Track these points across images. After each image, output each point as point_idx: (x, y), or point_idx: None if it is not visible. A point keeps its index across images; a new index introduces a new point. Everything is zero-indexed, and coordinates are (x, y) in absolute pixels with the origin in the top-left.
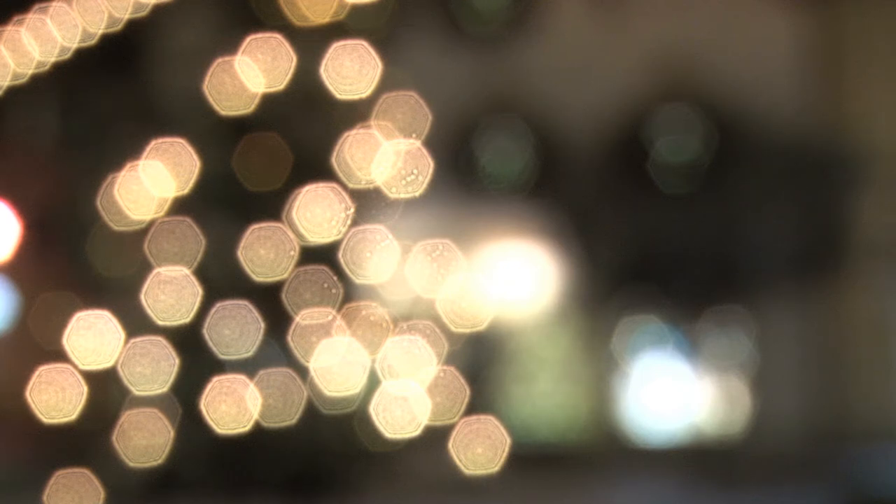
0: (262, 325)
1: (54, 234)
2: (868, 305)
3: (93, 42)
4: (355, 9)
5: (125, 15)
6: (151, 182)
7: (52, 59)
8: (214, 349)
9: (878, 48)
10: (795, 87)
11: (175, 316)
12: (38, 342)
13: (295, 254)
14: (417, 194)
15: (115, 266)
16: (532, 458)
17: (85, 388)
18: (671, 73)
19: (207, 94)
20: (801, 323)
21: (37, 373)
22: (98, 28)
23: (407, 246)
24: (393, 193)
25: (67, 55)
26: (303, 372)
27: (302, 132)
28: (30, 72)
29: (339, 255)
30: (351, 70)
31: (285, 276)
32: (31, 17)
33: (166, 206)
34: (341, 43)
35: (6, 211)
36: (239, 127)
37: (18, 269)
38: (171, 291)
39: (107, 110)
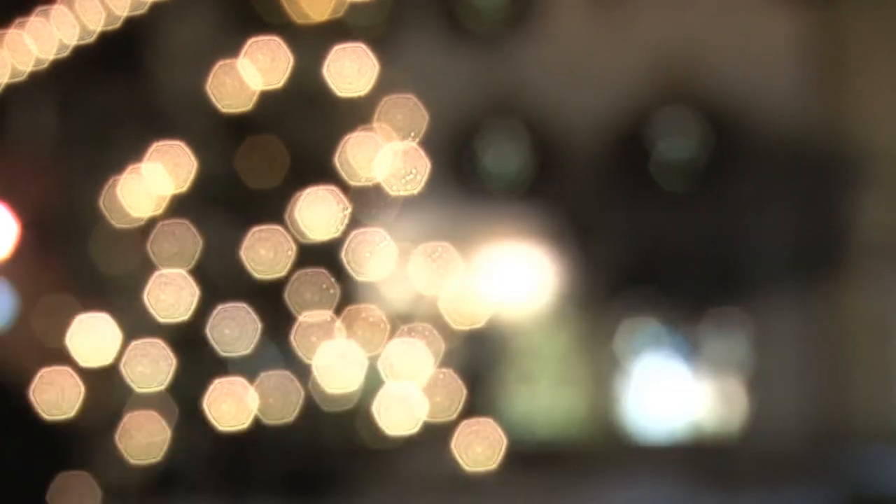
0: (264, 325)
1: (52, 234)
2: (868, 305)
3: (91, 40)
4: (354, 7)
5: (124, 13)
6: (152, 182)
7: (51, 57)
8: (217, 348)
9: (878, 48)
10: (795, 87)
11: (176, 316)
12: (40, 343)
13: (296, 255)
14: (416, 192)
15: (114, 266)
16: (532, 457)
17: (87, 388)
18: (671, 73)
19: (209, 94)
20: (800, 323)
21: (39, 374)
22: (97, 26)
23: (407, 247)
24: (393, 192)
25: (66, 53)
26: (304, 372)
27: (302, 133)
28: (28, 69)
29: (340, 256)
30: (351, 71)
31: (287, 277)
32: (33, 20)
33: (167, 206)
34: (342, 46)
35: (3, 211)
36: (240, 128)
37: (16, 269)
38: (173, 292)
39: (106, 109)
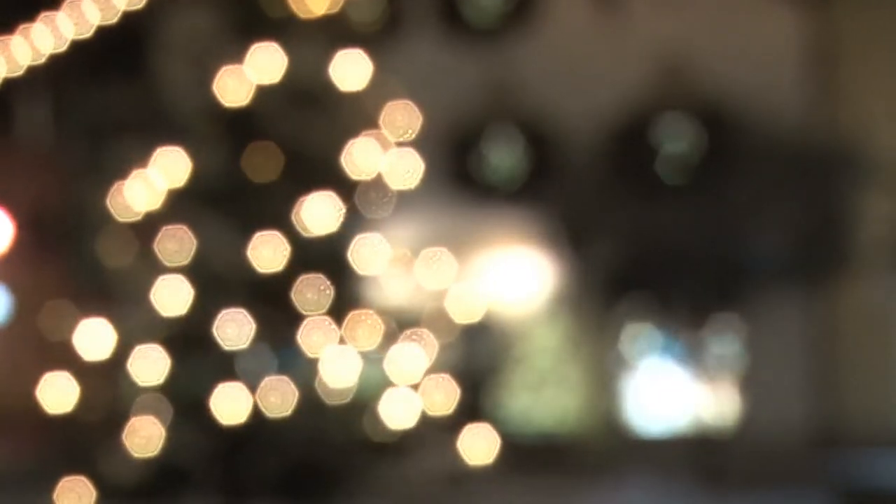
0: (267, 326)
1: (49, 234)
2: (867, 305)
3: (89, 34)
4: (353, 3)
5: (122, 6)
6: (155, 182)
7: (49, 52)
8: (221, 344)
9: (877, 49)
10: (795, 88)
11: (178, 316)
12: (44, 343)
13: (299, 257)
14: (413, 188)
15: (115, 266)
16: (533, 455)
17: (88, 387)
18: (671, 73)
19: (213, 95)
20: (799, 323)
21: (44, 376)
22: (94, 19)
23: (407, 251)
24: (392, 189)
25: (64, 47)
26: (305, 372)
27: (301, 132)
28: (26, 64)
29: (342, 259)
30: (350, 69)
31: (291, 279)
32: (36, 25)
33: (170, 206)
34: (342, 44)
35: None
36: (241, 128)
37: (13, 269)
38: (175, 292)
39: (105, 108)
